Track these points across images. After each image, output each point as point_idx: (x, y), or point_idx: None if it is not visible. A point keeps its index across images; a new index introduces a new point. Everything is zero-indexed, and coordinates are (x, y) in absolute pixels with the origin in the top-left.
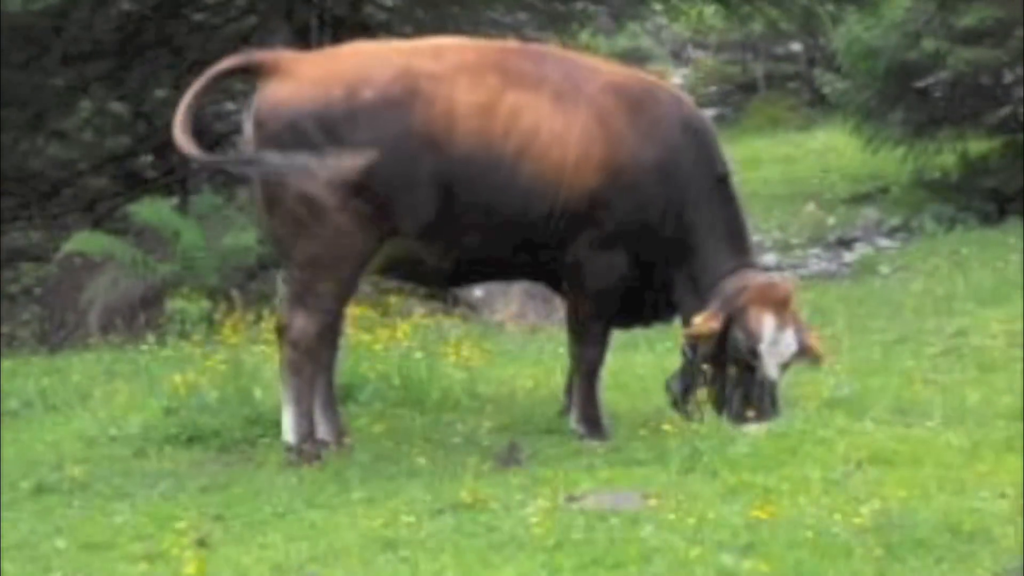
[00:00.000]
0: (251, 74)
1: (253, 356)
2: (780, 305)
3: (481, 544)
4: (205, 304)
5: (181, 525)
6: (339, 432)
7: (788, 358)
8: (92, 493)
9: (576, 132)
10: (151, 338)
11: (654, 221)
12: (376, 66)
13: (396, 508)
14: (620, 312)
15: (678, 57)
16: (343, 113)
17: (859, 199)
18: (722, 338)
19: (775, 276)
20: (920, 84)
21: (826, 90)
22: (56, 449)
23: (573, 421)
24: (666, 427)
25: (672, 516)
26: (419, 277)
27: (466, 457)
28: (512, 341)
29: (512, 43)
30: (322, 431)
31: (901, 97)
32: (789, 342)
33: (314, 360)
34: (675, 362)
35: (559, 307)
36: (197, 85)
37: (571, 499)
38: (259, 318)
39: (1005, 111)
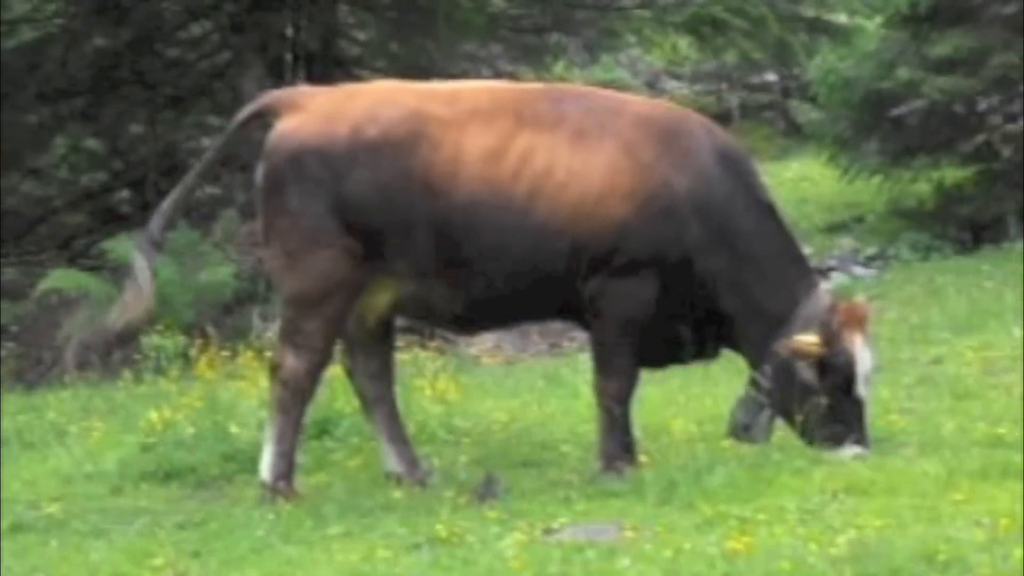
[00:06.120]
0: (270, 115)
1: (229, 392)
2: (864, 324)
3: None
4: (181, 340)
5: (158, 562)
6: (412, 462)
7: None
8: (69, 531)
9: (600, 166)
10: (127, 375)
11: (690, 251)
12: (385, 106)
13: (373, 543)
14: (658, 350)
15: (653, 88)
16: (345, 150)
17: (835, 228)
18: (820, 361)
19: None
20: (895, 113)
21: (801, 120)
22: (32, 487)
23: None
24: (642, 458)
25: (649, 548)
26: (431, 319)
27: (442, 491)
28: (488, 374)
29: (534, 84)
30: (392, 463)
31: (876, 126)
32: (871, 362)
33: (302, 400)
34: (647, 392)
35: (536, 341)
36: (220, 140)
37: (548, 532)
38: (235, 354)
39: (980, 139)
